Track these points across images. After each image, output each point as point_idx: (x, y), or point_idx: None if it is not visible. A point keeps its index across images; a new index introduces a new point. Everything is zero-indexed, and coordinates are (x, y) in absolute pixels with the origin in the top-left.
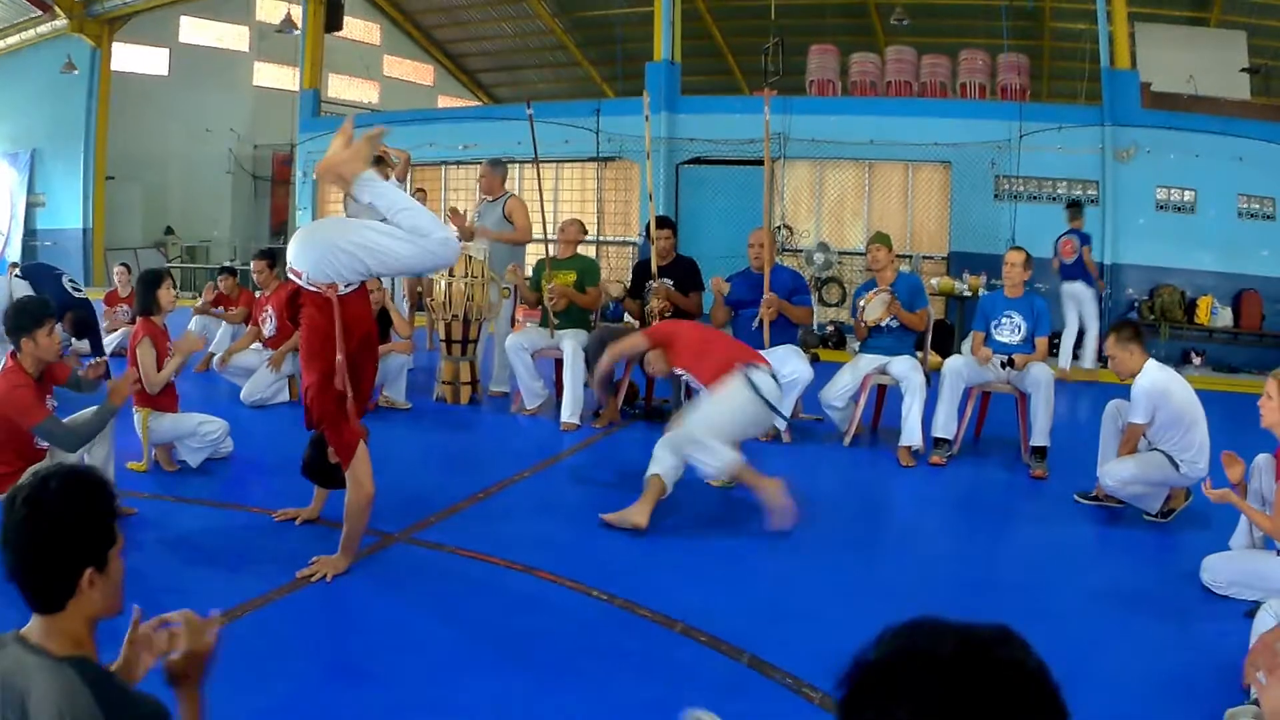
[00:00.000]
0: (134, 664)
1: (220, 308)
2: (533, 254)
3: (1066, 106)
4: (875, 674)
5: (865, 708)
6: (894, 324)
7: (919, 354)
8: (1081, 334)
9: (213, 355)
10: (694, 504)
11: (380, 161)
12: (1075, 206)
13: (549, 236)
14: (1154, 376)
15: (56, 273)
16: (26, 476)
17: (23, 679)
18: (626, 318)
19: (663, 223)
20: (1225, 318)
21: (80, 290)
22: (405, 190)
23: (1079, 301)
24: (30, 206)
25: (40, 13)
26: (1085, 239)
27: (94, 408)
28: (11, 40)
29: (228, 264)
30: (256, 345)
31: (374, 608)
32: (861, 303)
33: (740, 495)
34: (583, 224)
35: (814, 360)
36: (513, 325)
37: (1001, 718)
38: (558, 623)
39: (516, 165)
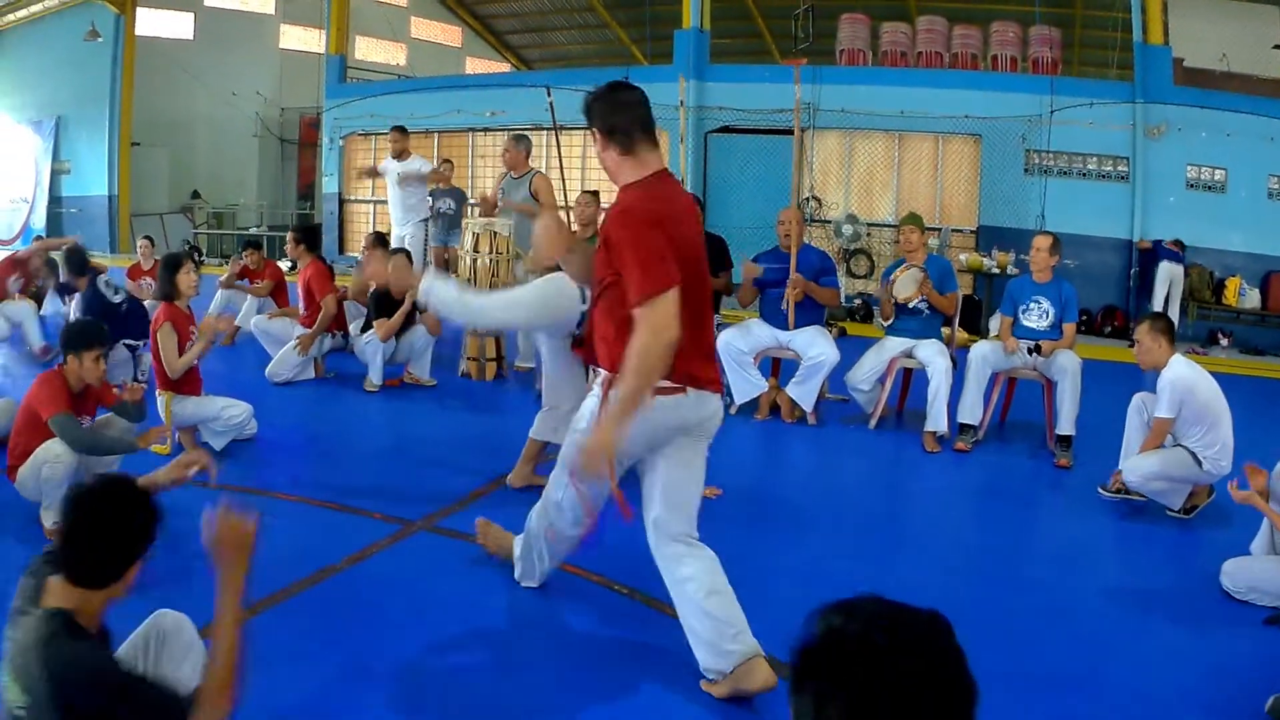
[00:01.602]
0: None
1: (246, 280)
2: None
3: (1098, 82)
4: (813, 657)
5: (802, 692)
6: (923, 306)
7: (946, 330)
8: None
9: (238, 329)
10: (715, 500)
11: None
12: None
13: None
14: (1180, 371)
15: (93, 291)
16: (100, 478)
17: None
18: None
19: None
20: (1253, 299)
21: (119, 290)
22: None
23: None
24: (55, 174)
25: None
26: None
27: (125, 424)
28: (35, 8)
29: (253, 235)
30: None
31: (393, 600)
32: (893, 277)
33: (761, 492)
34: (596, 195)
35: (841, 335)
36: None
37: (919, 695)
38: (581, 618)
39: (543, 133)
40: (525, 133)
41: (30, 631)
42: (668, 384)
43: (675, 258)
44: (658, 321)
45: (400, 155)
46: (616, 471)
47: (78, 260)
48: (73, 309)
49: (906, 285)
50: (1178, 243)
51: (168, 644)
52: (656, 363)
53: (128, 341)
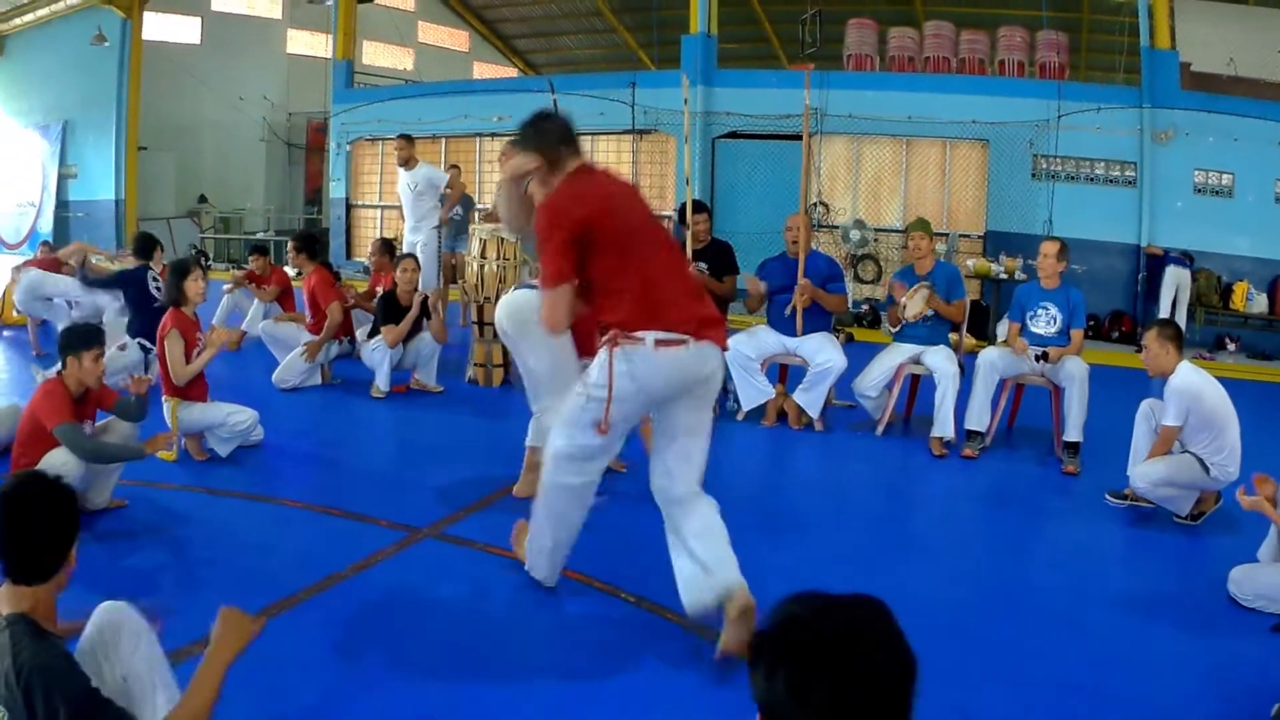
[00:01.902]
0: None
1: (253, 284)
2: None
3: (1105, 87)
4: (762, 639)
5: (756, 667)
6: (930, 313)
7: (954, 336)
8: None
9: (245, 333)
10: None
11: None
12: None
13: None
14: (1187, 378)
15: (139, 276)
16: (12, 480)
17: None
18: None
19: (698, 207)
20: (1260, 303)
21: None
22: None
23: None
24: (62, 178)
25: None
26: None
27: (127, 428)
28: (42, 12)
29: (260, 240)
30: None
31: (400, 609)
32: (903, 300)
33: (768, 498)
34: None
35: (848, 340)
36: None
37: (861, 669)
38: (587, 626)
39: None
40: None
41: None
42: (669, 336)
43: (579, 249)
44: (547, 313)
45: (407, 163)
46: (624, 430)
47: (145, 244)
48: (102, 302)
49: (916, 304)
50: (1186, 254)
51: (121, 635)
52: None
53: (144, 343)
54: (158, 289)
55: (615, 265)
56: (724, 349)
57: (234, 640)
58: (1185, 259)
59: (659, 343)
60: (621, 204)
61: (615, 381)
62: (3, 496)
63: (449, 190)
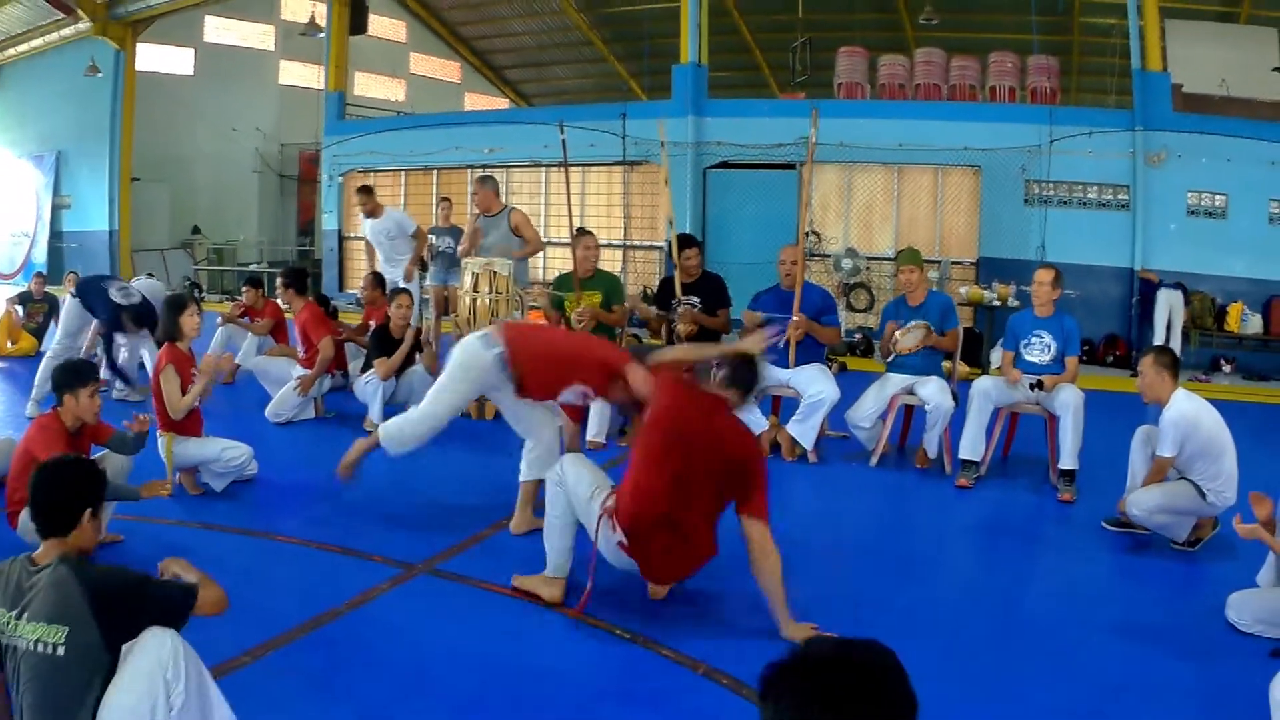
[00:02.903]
0: None
1: (246, 317)
2: (553, 265)
3: (1097, 110)
4: (772, 675)
5: (766, 702)
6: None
7: (947, 365)
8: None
9: (238, 367)
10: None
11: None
12: None
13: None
14: (1182, 408)
15: (104, 285)
16: (54, 457)
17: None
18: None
19: (688, 242)
20: (1255, 324)
21: (132, 294)
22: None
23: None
24: (56, 208)
25: (63, 16)
26: None
27: (121, 461)
28: (36, 43)
29: (253, 271)
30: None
31: (396, 647)
32: (898, 334)
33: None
34: (594, 237)
35: (841, 370)
36: None
37: (863, 708)
38: (582, 663)
39: (543, 169)
40: (520, 170)
41: (53, 574)
42: None
43: None
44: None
45: (372, 214)
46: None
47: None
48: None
49: (909, 340)
50: (1178, 284)
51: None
52: None
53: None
54: (126, 294)
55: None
56: None
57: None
58: (1176, 286)
59: None
60: None
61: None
62: (36, 472)
63: (417, 235)
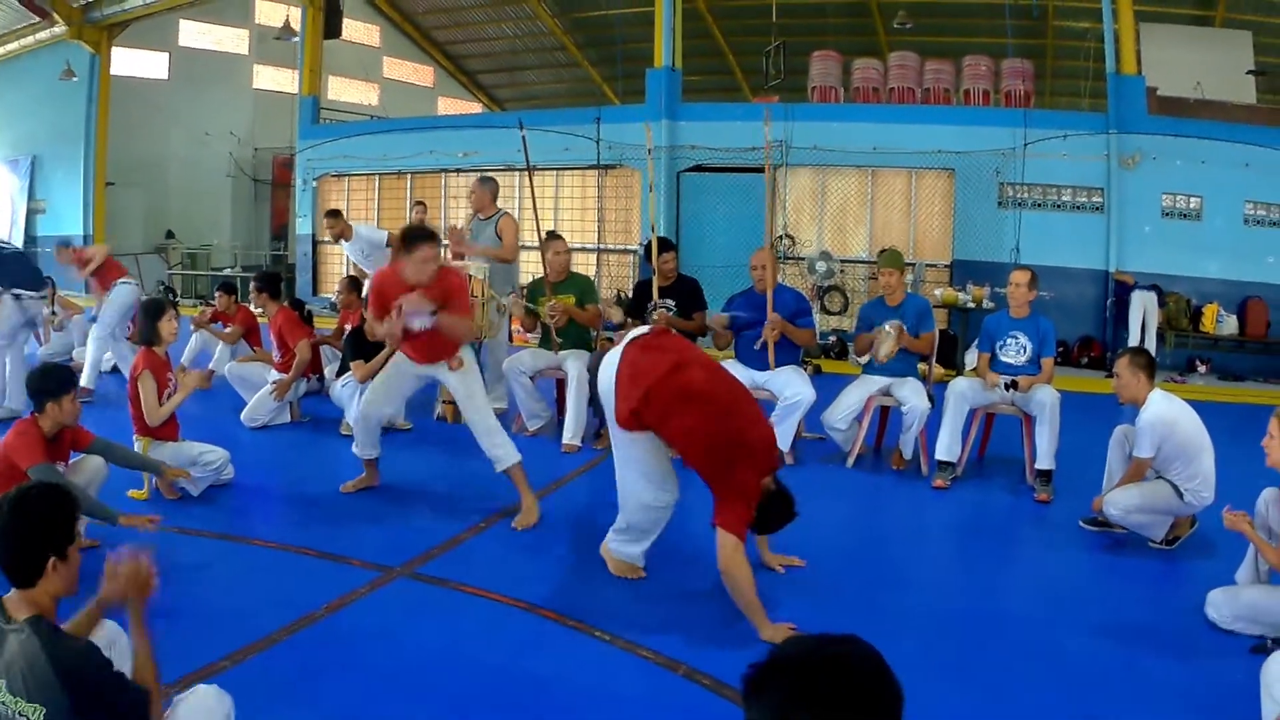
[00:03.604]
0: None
1: (218, 323)
2: (527, 269)
3: (1072, 114)
4: (756, 673)
5: (750, 700)
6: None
7: (923, 366)
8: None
9: (213, 372)
10: (692, 542)
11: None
12: None
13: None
14: (1159, 409)
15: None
16: (14, 490)
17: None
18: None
19: (665, 245)
20: (1231, 325)
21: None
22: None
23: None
24: (31, 213)
25: (39, 20)
26: None
27: (96, 464)
28: (11, 47)
29: (227, 276)
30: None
31: (375, 650)
32: (876, 341)
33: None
34: (564, 242)
35: (816, 372)
36: (511, 339)
37: (850, 699)
38: (561, 665)
39: (516, 173)
40: (493, 175)
41: (25, 642)
42: None
43: None
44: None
45: (340, 236)
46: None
47: None
48: None
49: (886, 345)
50: (1153, 286)
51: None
52: None
53: (16, 291)
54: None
55: None
56: None
57: (138, 604)
58: (1151, 288)
59: None
60: None
61: None
62: None
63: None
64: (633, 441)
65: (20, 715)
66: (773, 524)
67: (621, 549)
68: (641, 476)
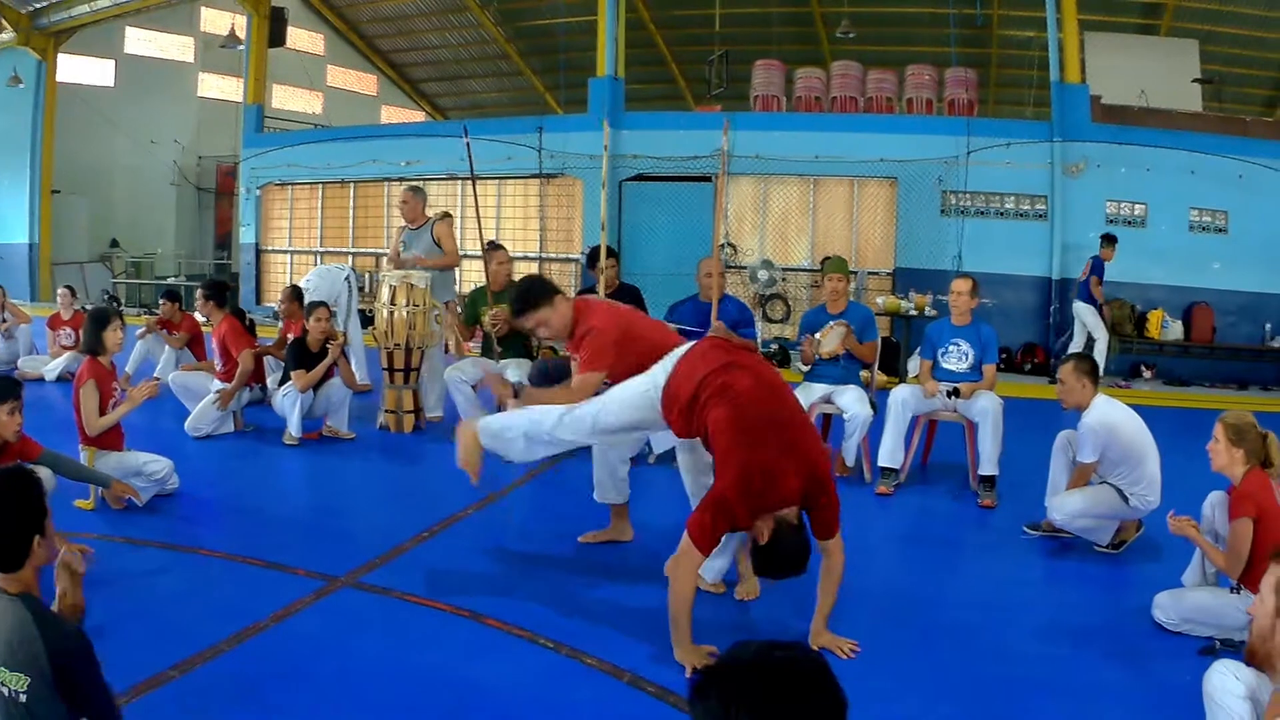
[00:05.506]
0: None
1: (164, 330)
2: (469, 279)
3: (1015, 122)
4: (703, 679)
5: (696, 705)
6: (843, 352)
7: (865, 374)
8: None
9: (159, 380)
10: (639, 548)
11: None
12: (1106, 239)
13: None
14: (1101, 414)
15: None
16: None
17: None
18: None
19: (608, 252)
20: (1176, 330)
21: None
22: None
23: (1081, 317)
24: None
25: None
26: (1096, 268)
27: (46, 474)
28: None
29: (171, 285)
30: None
31: (320, 660)
32: (819, 335)
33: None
34: (505, 252)
35: None
36: (446, 350)
37: (794, 706)
38: (505, 673)
39: (458, 182)
40: (435, 183)
41: (16, 611)
42: None
43: None
44: None
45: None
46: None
47: None
48: None
49: (831, 341)
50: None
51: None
52: None
53: None
54: None
55: None
56: None
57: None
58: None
59: None
60: None
61: None
62: None
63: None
64: (650, 404)
65: (4, 685)
66: (774, 567)
67: (495, 436)
68: (627, 408)
